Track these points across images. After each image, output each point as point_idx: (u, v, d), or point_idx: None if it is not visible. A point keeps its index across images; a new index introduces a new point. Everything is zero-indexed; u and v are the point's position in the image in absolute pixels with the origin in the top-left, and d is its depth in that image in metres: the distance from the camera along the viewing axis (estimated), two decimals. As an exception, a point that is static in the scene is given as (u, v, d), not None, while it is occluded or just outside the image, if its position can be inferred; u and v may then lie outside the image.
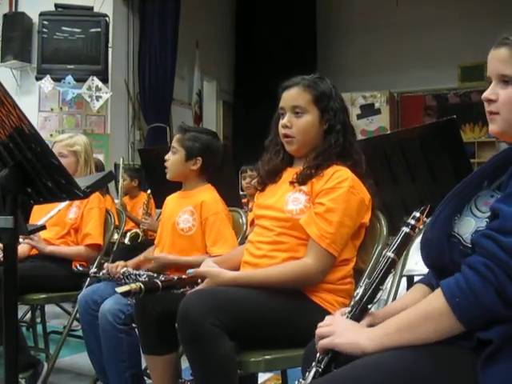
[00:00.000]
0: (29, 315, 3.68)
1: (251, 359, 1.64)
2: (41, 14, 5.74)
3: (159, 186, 3.05)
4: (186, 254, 2.30)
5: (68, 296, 2.83)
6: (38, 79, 5.72)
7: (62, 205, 2.80)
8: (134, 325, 2.15)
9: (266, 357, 1.64)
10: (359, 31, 8.45)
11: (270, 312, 1.69)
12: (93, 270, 2.45)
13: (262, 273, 1.77)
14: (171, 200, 2.49)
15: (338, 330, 1.19)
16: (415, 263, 1.91)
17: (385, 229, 1.84)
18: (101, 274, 2.35)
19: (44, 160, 1.29)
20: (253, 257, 1.86)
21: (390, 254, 1.28)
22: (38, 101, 5.93)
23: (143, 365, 2.28)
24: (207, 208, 2.29)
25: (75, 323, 3.06)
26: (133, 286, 1.72)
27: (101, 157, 5.52)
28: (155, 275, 2.14)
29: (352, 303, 1.28)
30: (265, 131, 2.01)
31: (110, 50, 5.89)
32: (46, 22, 5.74)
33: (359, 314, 1.25)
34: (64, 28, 5.80)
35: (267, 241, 1.83)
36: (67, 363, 3.19)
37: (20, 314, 3.68)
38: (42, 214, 2.77)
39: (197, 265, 2.12)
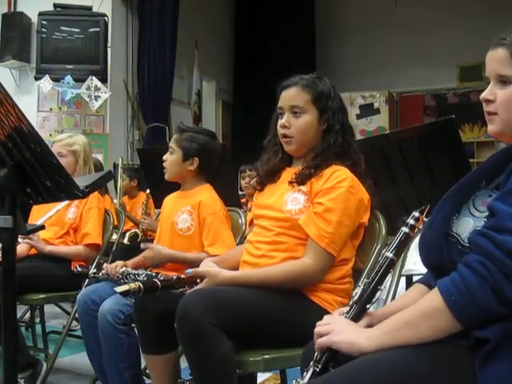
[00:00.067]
0: (28, 315, 3.68)
1: (250, 359, 1.64)
2: (40, 14, 5.73)
3: (158, 185, 3.05)
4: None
5: (67, 296, 2.83)
6: (36, 79, 5.71)
7: (61, 205, 2.80)
8: (133, 325, 2.15)
9: (265, 356, 1.65)
10: (358, 31, 8.44)
11: (268, 311, 1.69)
12: (92, 270, 2.45)
13: (261, 272, 1.78)
14: (170, 200, 2.49)
15: (337, 328, 1.19)
16: (414, 263, 1.91)
17: (384, 229, 1.84)
18: (100, 274, 2.35)
19: (43, 160, 1.29)
20: (252, 256, 1.86)
21: (389, 254, 1.28)
22: (37, 101, 5.92)
23: (142, 365, 2.28)
24: (205, 208, 2.29)
25: (74, 323, 3.06)
26: (132, 285, 1.72)
27: (100, 157, 5.52)
28: (154, 275, 2.14)
29: (350, 303, 1.28)
30: (264, 131, 2.01)
31: (108, 50, 5.88)
32: (44, 22, 5.73)
33: (357, 313, 1.26)
34: (63, 28, 5.79)
35: (266, 241, 1.84)
36: (66, 363, 3.19)
37: (19, 314, 3.68)
38: (41, 213, 2.76)
39: (193, 261, 2.14)
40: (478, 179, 1.20)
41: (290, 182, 1.85)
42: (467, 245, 1.13)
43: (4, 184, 1.30)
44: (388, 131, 6.48)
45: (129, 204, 5.14)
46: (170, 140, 2.46)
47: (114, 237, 3.25)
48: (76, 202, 2.83)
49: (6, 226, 1.29)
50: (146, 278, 2.09)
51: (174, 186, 2.49)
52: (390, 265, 1.29)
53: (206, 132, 2.45)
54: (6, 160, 1.34)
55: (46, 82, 5.62)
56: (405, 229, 1.29)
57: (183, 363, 1.88)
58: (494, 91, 1.20)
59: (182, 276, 1.84)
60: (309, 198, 1.80)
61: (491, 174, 1.18)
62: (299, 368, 1.39)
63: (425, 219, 1.29)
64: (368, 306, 1.27)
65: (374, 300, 1.28)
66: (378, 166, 2.21)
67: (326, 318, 1.28)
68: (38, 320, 3.38)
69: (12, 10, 6.06)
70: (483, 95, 1.22)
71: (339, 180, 1.77)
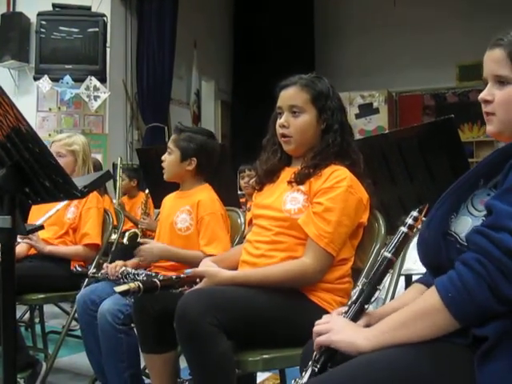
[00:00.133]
0: (27, 315, 3.68)
1: (249, 358, 1.64)
2: (38, 14, 5.72)
3: (157, 185, 3.05)
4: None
5: (66, 296, 2.83)
6: (35, 79, 5.71)
7: (61, 205, 2.80)
8: (132, 325, 2.15)
9: (264, 356, 1.64)
10: (357, 31, 8.45)
11: (268, 311, 1.69)
12: (92, 270, 2.45)
13: (260, 272, 1.78)
14: (169, 200, 2.49)
15: (335, 327, 1.20)
16: (413, 262, 1.92)
17: (383, 228, 1.84)
18: (99, 274, 2.35)
19: (41, 160, 1.29)
20: (251, 256, 1.86)
21: (388, 254, 1.28)
22: (36, 101, 5.92)
23: (142, 365, 2.28)
24: (203, 207, 2.29)
25: (74, 323, 3.07)
26: (131, 285, 1.72)
27: (99, 157, 5.51)
28: (154, 274, 2.14)
29: (349, 303, 1.28)
30: (263, 131, 2.01)
31: (107, 50, 5.88)
32: (43, 22, 5.73)
33: (356, 313, 1.26)
34: (62, 28, 5.78)
35: (265, 240, 1.84)
36: (66, 363, 3.19)
37: (19, 314, 3.68)
38: (40, 213, 2.76)
39: (188, 258, 2.14)
40: (476, 178, 1.20)
41: (289, 182, 1.85)
42: (465, 244, 1.13)
43: (3, 184, 1.30)
44: (387, 131, 6.48)
45: (128, 204, 5.14)
46: (169, 140, 2.46)
47: (114, 237, 3.25)
48: (75, 201, 2.83)
49: (4, 226, 1.29)
50: (145, 278, 2.09)
51: (173, 186, 2.50)
52: (389, 265, 1.29)
53: (204, 132, 2.45)
54: (4, 160, 1.34)
55: (45, 82, 5.62)
56: (403, 228, 1.29)
57: (183, 363, 1.88)
58: (491, 92, 1.21)
59: (182, 275, 1.84)
60: (308, 198, 1.80)
61: (489, 173, 1.18)
62: (298, 368, 1.39)
63: (423, 219, 1.29)
64: (367, 306, 1.27)
65: (373, 300, 1.28)
66: (377, 165, 2.21)
67: (324, 317, 1.28)
68: (37, 320, 3.38)
69: (11, 10, 6.06)
70: (481, 96, 1.22)
71: (338, 180, 1.77)
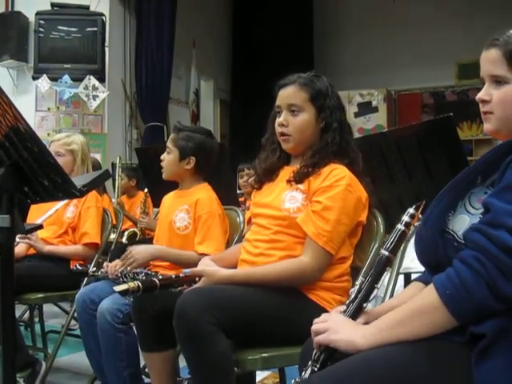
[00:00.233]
0: (27, 314, 3.68)
1: (248, 357, 1.64)
2: (37, 14, 5.72)
3: (156, 184, 3.05)
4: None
5: (66, 295, 2.83)
6: (34, 78, 5.70)
7: (60, 204, 2.80)
8: (132, 324, 2.15)
9: (263, 355, 1.65)
10: (356, 29, 8.44)
11: (266, 310, 1.69)
12: (91, 269, 2.45)
13: (258, 271, 1.78)
14: (168, 199, 2.49)
15: (334, 326, 1.20)
16: (412, 261, 1.92)
17: (382, 227, 1.85)
18: (99, 272, 2.35)
19: (40, 159, 1.30)
20: (250, 255, 1.86)
21: (385, 252, 1.28)
22: (35, 100, 5.91)
23: (141, 364, 2.28)
24: (201, 206, 2.29)
25: (73, 322, 3.07)
26: (131, 284, 1.73)
27: (98, 156, 5.51)
28: (153, 274, 2.14)
29: (347, 302, 1.29)
30: (262, 130, 2.01)
31: (106, 49, 5.87)
32: (42, 22, 5.72)
33: (354, 312, 1.26)
34: (60, 27, 5.78)
35: (264, 239, 1.84)
36: (65, 362, 3.19)
37: (18, 314, 3.68)
38: (39, 213, 2.77)
39: (186, 260, 2.14)
40: (474, 176, 1.20)
41: (288, 181, 1.85)
42: (463, 242, 1.14)
43: (1, 183, 1.30)
44: (386, 129, 6.48)
45: (127, 203, 5.13)
46: (168, 139, 2.46)
47: (113, 236, 3.26)
48: (74, 201, 2.83)
49: (3, 225, 1.29)
50: (144, 277, 2.09)
51: (173, 185, 2.50)
52: (386, 263, 1.29)
53: (202, 131, 2.45)
54: (3, 159, 1.34)
55: (44, 82, 5.61)
56: (400, 226, 1.29)
57: (182, 362, 1.88)
58: (489, 91, 1.22)
59: (181, 275, 1.84)
60: (307, 197, 1.80)
61: (486, 171, 1.19)
62: (297, 366, 1.39)
63: (420, 216, 1.29)
64: (365, 305, 1.27)
65: (371, 298, 1.28)
66: (375, 164, 2.21)
67: (323, 315, 1.28)
68: (36, 319, 3.38)
69: (9, 9, 6.06)
70: (479, 96, 1.24)
71: (337, 178, 1.77)
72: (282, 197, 1.84)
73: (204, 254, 2.14)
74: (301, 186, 1.82)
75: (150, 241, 2.82)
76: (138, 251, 2.20)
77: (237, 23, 8.79)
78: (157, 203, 2.93)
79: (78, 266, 2.69)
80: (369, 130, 7.68)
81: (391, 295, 1.90)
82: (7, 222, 1.29)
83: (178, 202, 2.38)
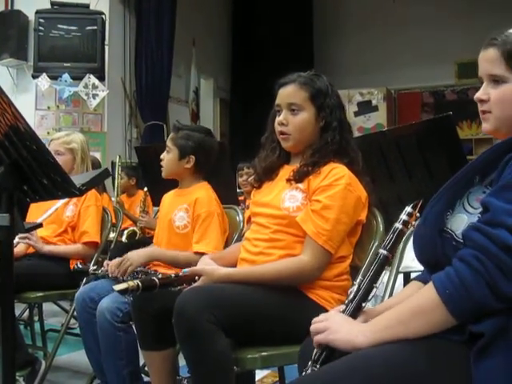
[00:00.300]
0: (26, 313, 3.69)
1: (248, 356, 1.64)
2: (37, 12, 5.71)
3: (156, 183, 3.05)
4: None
5: (65, 294, 2.84)
6: (34, 77, 5.69)
7: (60, 203, 2.80)
8: (131, 323, 2.15)
9: (263, 353, 1.65)
10: (356, 28, 8.43)
11: (266, 309, 1.69)
12: (92, 267, 2.45)
13: (258, 270, 1.78)
14: (168, 197, 2.49)
15: (333, 326, 1.20)
16: (411, 260, 1.91)
17: (381, 226, 1.85)
18: (100, 271, 2.35)
19: (39, 158, 1.29)
20: (249, 254, 1.86)
21: (383, 251, 1.29)
22: (35, 99, 5.91)
23: (141, 362, 2.29)
24: (200, 205, 2.29)
25: (73, 321, 3.07)
26: (130, 283, 1.73)
27: (98, 155, 5.50)
28: (153, 273, 2.14)
29: (346, 301, 1.29)
30: (262, 129, 2.01)
31: (106, 48, 5.86)
32: (42, 20, 5.71)
33: (353, 312, 1.26)
34: (60, 26, 5.77)
35: (264, 238, 1.84)
36: (65, 361, 3.20)
37: (18, 312, 3.68)
38: (39, 212, 2.77)
39: (183, 261, 2.13)
40: (472, 175, 1.21)
41: (288, 180, 1.85)
42: (461, 241, 1.14)
43: (1, 182, 1.30)
44: (386, 128, 6.48)
45: (127, 202, 5.13)
46: (167, 138, 2.46)
47: (112, 235, 3.26)
48: (74, 200, 2.83)
49: (3, 224, 1.29)
50: (144, 276, 2.10)
51: (172, 184, 2.50)
52: (385, 262, 1.29)
53: (202, 129, 2.45)
54: (3, 158, 1.34)
55: (44, 80, 5.61)
56: (398, 225, 1.29)
57: (182, 361, 1.88)
58: (487, 91, 1.22)
59: (180, 274, 1.84)
60: (306, 196, 1.80)
61: (484, 170, 1.19)
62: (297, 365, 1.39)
63: (417, 214, 1.29)
64: (364, 304, 1.27)
65: (370, 297, 1.28)
66: (375, 163, 2.21)
67: (321, 315, 1.27)
68: (36, 318, 3.38)
69: (9, 8, 6.05)
70: (477, 95, 1.24)
71: (337, 177, 1.77)
72: (282, 196, 1.84)
73: (200, 253, 2.14)
74: (300, 185, 1.82)
75: (149, 240, 2.82)
76: (134, 254, 2.20)
77: (237, 22, 8.79)
78: (156, 202, 2.93)
79: (79, 265, 2.69)
80: (369, 129, 7.67)
81: (390, 294, 1.90)
82: (7, 221, 1.29)
83: (178, 201, 2.38)
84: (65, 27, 5.77)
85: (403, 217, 1.29)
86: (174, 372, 2.10)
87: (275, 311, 1.70)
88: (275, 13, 8.10)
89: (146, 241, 3.38)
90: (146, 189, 4.17)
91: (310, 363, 1.22)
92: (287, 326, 1.68)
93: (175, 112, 6.89)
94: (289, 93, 1.86)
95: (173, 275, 1.84)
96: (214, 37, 8.32)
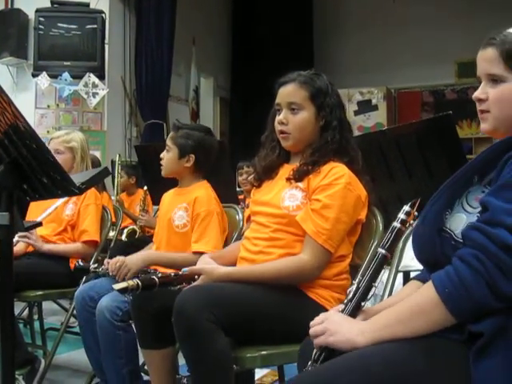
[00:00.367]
0: (26, 312, 3.68)
1: (247, 355, 1.64)
2: (37, 11, 5.70)
3: (156, 182, 3.05)
4: (180, 251, 2.30)
5: (65, 293, 2.84)
6: (34, 76, 5.69)
7: (59, 202, 2.80)
8: (131, 321, 2.15)
9: (262, 352, 1.65)
10: (356, 27, 8.43)
11: (265, 307, 1.69)
12: (92, 265, 2.46)
13: (257, 269, 1.78)
14: (168, 196, 2.49)
15: (331, 327, 1.19)
16: (411, 259, 1.91)
17: (381, 225, 1.85)
18: (100, 269, 2.35)
19: (39, 157, 1.30)
20: (249, 253, 1.86)
21: (381, 250, 1.29)
22: (35, 97, 5.91)
23: (140, 361, 2.29)
24: (199, 204, 2.29)
25: (72, 320, 3.07)
26: (130, 282, 1.73)
27: (97, 153, 5.51)
28: (152, 271, 2.14)
29: (345, 301, 1.29)
30: (262, 128, 2.01)
31: (106, 47, 5.86)
32: (42, 19, 5.71)
33: (353, 311, 1.26)
34: (60, 24, 5.76)
35: (263, 237, 1.84)
36: (64, 360, 3.20)
37: (17, 311, 3.68)
38: (38, 210, 2.77)
39: (180, 262, 2.13)
40: (471, 174, 1.21)
41: (288, 179, 1.85)
42: (461, 240, 1.14)
43: (1, 181, 1.30)
44: (386, 127, 6.48)
45: (127, 201, 5.14)
46: (167, 137, 2.45)
47: (112, 233, 3.26)
48: (74, 198, 2.83)
49: (2, 222, 1.29)
50: (143, 275, 2.09)
51: (172, 183, 2.50)
52: (383, 261, 1.29)
53: (201, 128, 2.45)
54: (2, 157, 1.34)
55: (44, 79, 5.60)
56: (396, 224, 1.30)
57: (181, 360, 1.88)
58: (485, 90, 1.23)
59: (180, 273, 1.84)
60: (306, 195, 1.80)
61: (483, 169, 1.19)
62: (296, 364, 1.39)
63: (415, 213, 1.29)
64: (363, 303, 1.27)
65: (370, 297, 1.28)
66: (375, 162, 2.21)
67: (320, 316, 1.26)
68: (36, 317, 3.38)
69: (9, 6, 6.05)
70: (475, 95, 1.24)
71: (337, 177, 1.77)
72: (282, 195, 1.84)
73: (199, 253, 2.13)
74: (300, 184, 1.82)
75: (149, 238, 2.82)
76: (132, 260, 2.20)
77: (237, 20, 8.78)
78: (156, 201, 2.93)
79: (80, 263, 2.69)
80: (368, 128, 7.67)
81: (390, 293, 1.90)
82: (6, 220, 1.29)
83: (177, 200, 2.38)
84: (65, 26, 5.76)
85: (401, 216, 1.29)
86: (174, 371, 2.10)
87: (275, 310, 1.70)
88: (275, 12, 8.09)
89: (145, 239, 3.38)
90: (145, 187, 4.17)
91: (309, 363, 1.22)
92: (287, 325, 1.68)
93: (175, 111, 6.89)
94: (289, 92, 1.86)
95: (172, 274, 1.84)
96: (214, 35, 8.31)
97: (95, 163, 4.07)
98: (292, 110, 1.85)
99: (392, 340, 1.12)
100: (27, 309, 3.59)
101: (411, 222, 1.30)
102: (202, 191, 2.34)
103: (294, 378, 1.17)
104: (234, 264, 1.91)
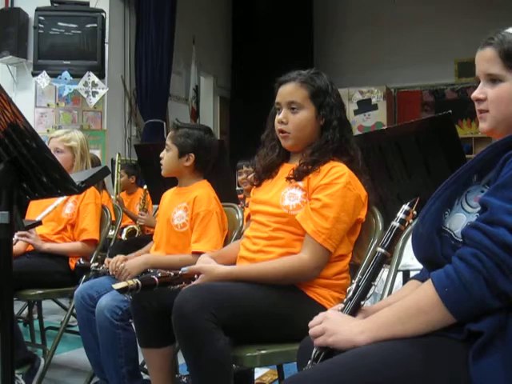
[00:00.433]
0: (26, 311, 3.69)
1: (247, 354, 1.64)
2: (37, 10, 5.70)
3: (156, 181, 3.05)
4: (179, 251, 2.30)
5: (65, 292, 2.84)
6: (34, 75, 5.69)
7: (59, 201, 2.80)
8: (130, 320, 2.15)
9: (262, 352, 1.65)
10: (356, 27, 8.43)
11: (265, 307, 1.69)
12: (93, 264, 2.46)
13: (257, 268, 1.78)
14: (168, 195, 2.49)
15: (330, 327, 1.19)
16: (411, 258, 1.91)
17: (380, 224, 1.85)
18: (101, 268, 2.35)
19: (39, 156, 1.29)
20: (249, 252, 1.86)
21: (381, 250, 1.29)
22: (35, 96, 5.91)
23: (140, 360, 2.29)
24: (199, 203, 2.29)
25: (72, 319, 3.07)
26: (130, 282, 1.73)
27: (97, 153, 5.51)
28: (152, 271, 2.14)
29: (345, 300, 1.29)
30: (262, 127, 2.01)
31: (106, 46, 5.86)
32: (42, 18, 5.71)
33: (352, 310, 1.26)
34: (60, 23, 5.76)
35: (263, 236, 1.84)
36: (64, 359, 3.20)
37: (17, 310, 3.68)
38: (38, 209, 2.77)
39: (178, 263, 2.12)
40: (470, 174, 1.21)
41: (288, 178, 1.85)
42: (460, 240, 1.14)
43: (0, 180, 1.30)
44: (386, 127, 6.48)
45: (127, 200, 5.14)
46: (167, 136, 2.45)
47: (112, 232, 3.26)
48: (73, 197, 2.83)
49: (2, 221, 1.29)
50: (143, 275, 2.09)
51: (172, 182, 2.49)
52: (383, 260, 1.29)
53: (201, 127, 2.45)
54: (2, 156, 1.34)
55: (44, 78, 5.60)
56: (395, 223, 1.30)
57: (181, 359, 1.89)
58: (484, 90, 1.23)
59: (180, 272, 1.84)
60: (306, 194, 1.80)
61: (482, 169, 1.19)
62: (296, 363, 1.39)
63: (414, 212, 1.29)
64: (363, 303, 1.27)
65: (369, 296, 1.28)
66: (375, 161, 2.21)
67: (318, 316, 1.26)
68: (35, 316, 3.38)
69: (9, 5, 6.04)
70: (474, 94, 1.25)
71: (337, 176, 1.77)
72: (282, 194, 1.84)
73: (199, 253, 2.13)
74: (300, 184, 1.82)
75: (149, 237, 2.82)
76: (130, 264, 2.20)
77: (237, 19, 8.78)
78: (156, 200, 2.93)
79: (81, 261, 2.69)
80: (368, 127, 7.67)
81: (390, 292, 1.90)
82: (6, 219, 1.29)
83: (177, 200, 2.38)
84: (65, 25, 5.76)
85: (400, 215, 1.29)
86: (173, 370, 2.10)
87: (274, 309, 1.70)
88: (275, 11, 8.10)
89: (146, 238, 3.38)
90: (145, 187, 4.17)
91: (309, 362, 1.21)
92: (286, 324, 1.68)
93: (175, 110, 6.89)
94: (289, 91, 1.85)
95: (172, 274, 1.84)
96: (214, 34, 8.31)
97: (95, 162, 4.07)
98: (292, 110, 1.85)
99: (391, 339, 1.12)
100: (27, 308, 3.59)
101: (410, 221, 1.30)
102: (202, 191, 2.34)
103: (292, 377, 1.17)
104: (233, 263, 1.91)
